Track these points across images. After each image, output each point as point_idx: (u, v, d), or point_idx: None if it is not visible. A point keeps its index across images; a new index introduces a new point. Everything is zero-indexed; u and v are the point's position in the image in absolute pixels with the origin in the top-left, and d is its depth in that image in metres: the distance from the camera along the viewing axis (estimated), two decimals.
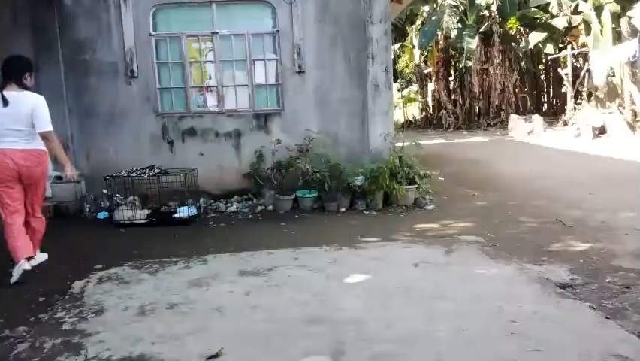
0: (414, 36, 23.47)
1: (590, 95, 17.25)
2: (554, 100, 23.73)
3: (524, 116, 17.90)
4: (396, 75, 24.92)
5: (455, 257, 4.17)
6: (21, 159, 4.05)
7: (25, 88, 4.14)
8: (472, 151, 12.76)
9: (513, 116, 18.14)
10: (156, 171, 6.32)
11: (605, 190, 6.79)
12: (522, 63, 21.68)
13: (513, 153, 12.43)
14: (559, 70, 21.02)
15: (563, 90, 20.51)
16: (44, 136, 4.13)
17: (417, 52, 23.59)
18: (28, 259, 4.13)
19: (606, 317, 2.93)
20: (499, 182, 8.05)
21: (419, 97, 25.88)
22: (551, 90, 24.17)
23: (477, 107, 22.18)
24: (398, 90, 25.77)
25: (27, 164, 4.09)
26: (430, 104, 24.55)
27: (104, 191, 6.26)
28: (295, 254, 4.43)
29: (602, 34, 15.60)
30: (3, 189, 4.07)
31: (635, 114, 13.95)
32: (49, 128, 4.11)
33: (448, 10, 19.55)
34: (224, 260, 4.37)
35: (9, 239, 4.07)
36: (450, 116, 21.62)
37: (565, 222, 5.27)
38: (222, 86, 6.91)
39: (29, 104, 4.05)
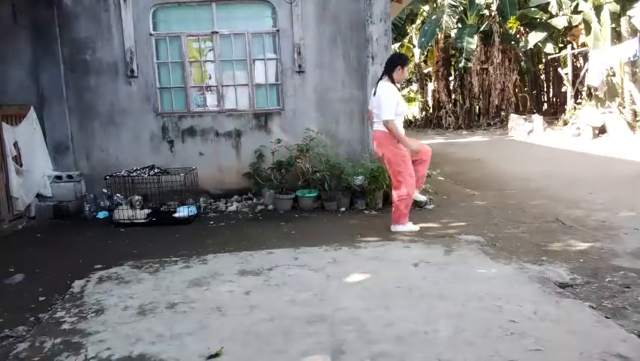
0: (414, 35, 23.48)
1: (590, 94, 17.26)
2: (554, 99, 23.74)
3: (524, 116, 17.92)
4: None
5: (455, 257, 4.17)
6: (374, 137, 5.15)
7: (392, 79, 5.00)
8: (472, 151, 12.76)
9: (513, 116, 18.15)
10: (156, 170, 6.32)
11: (605, 190, 6.79)
12: (522, 63, 21.68)
13: (513, 152, 12.43)
14: (559, 69, 21.03)
15: (563, 90, 20.54)
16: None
17: (417, 51, 23.60)
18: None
19: (606, 317, 2.93)
20: (499, 181, 8.05)
21: (419, 96, 25.88)
22: (551, 90, 24.18)
23: (477, 107, 22.18)
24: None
25: (375, 142, 5.14)
26: (430, 103, 24.55)
27: (104, 191, 6.26)
28: (295, 254, 4.43)
29: (601, 34, 15.61)
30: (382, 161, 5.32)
31: (635, 114, 13.95)
32: (384, 117, 4.85)
33: (447, 10, 19.54)
34: (224, 260, 4.36)
35: None
36: (450, 116, 21.62)
37: (565, 221, 5.27)
38: (222, 86, 6.91)
39: (378, 93, 4.97)
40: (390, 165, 5.08)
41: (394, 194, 5.15)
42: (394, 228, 5.13)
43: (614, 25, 15.50)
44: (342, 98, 6.86)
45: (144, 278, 3.95)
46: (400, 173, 5.02)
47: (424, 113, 25.39)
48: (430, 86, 24.13)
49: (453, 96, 22.39)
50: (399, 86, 5.26)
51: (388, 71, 5.02)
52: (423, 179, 5.40)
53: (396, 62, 5.04)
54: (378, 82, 5.14)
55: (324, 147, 6.55)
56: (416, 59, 24.56)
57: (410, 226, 5.15)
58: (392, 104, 4.86)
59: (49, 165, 6.66)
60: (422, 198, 5.60)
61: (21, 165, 6.19)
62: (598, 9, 15.93)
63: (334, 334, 2.83)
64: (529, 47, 19.28)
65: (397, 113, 4.94)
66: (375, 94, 5.07)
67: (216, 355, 2.65)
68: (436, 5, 20.82)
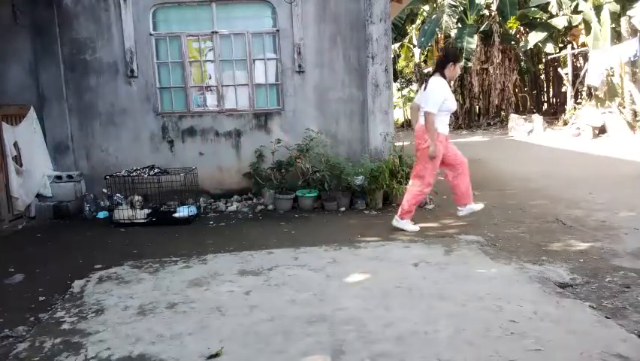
0: (414, 35, 23.48)
1: (590, 94, 17.27)
2: (554, 99, 23.76)
3: (524, 116, 17.94)
4: (396, 74, 24.93)
5: (455, 257, 4.17)
6: (416, 131, 5.08)
7: (443, 76, 5.00)
8: (472, 151, 12.75)
9: (513, 116, 18.16)
10: (156, 170, 6.32)
11: (605, 190, 6.79)
12: (522, 63, 21.69)
13: (513, 152, 12.43)
14: (559, 69, 21.03)
15: (563, 90, 20.55)
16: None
17: (417, 51, 23.60)
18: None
19: (606, 317, 2.93)
20: (499, 181, 8.05)
21: None
22: (551, 90, 24.20)
23: (477, 107, 22.18)
24: (398, 90, 25.78)
25: (416, 135, 5.08)
26: None
27: (104, 190, 6.26)
28: (295, 254, 4.43)
29: (601, 34, 15.62)
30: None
31: (635, 114, 13.96)
32: (427, 108, 4.86)
33: (447, 10, 19.55)
34: (224, 260, 4.36)
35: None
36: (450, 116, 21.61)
37: (565, 221, 5.27)
38: (222, 86, 6.91)
39: (429, 87, 4.97)
40: (421, 158, 5.05)
41: (410, 186, 5.16)
42: (397, 223, 5.14)
43: (614, 25, 15.51)
44: (342, 98, 6.86)
45: (144, 278, 3.95)
46: (426, 168, 5.02)
47: None
48: None
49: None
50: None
51: (440, 67, 5.06)
52: (468, 190, 5.26)
53: (448, 58, 5.09)
54: (428, 78, 5.19)
55: (324, 147, 6.55)
56: (416, 59, 24.56)
57: (410, 226, 5.15)
58: (439, 98, 4.87)
59: (49, 165, 6.66)
60: (478, 206, 5.36)
61: (21, 165, 6.19)
62: (598, 9, 15.93)
63: (334, 334, 2.83)
64: (529, 47, 19.29)
65: (443, 108, 4.93)
66: (424, 89, 5.08)
67: (216, 355, 2.65)
68: (436, 5, 20.82)
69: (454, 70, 5.07)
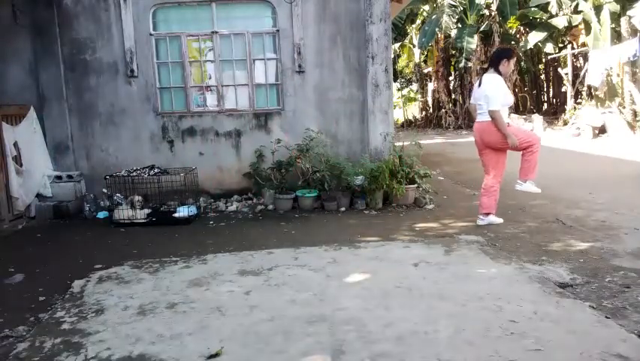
0: (414, 35, 23.50)
1: (590, 94, 17.27)
2: (554, 99, 23.76)
3: (524, 116, 17.95)
4: (396, 74, 24.95)
5: (455, 257, 4.17)
6: (477, 129, 5.18)
7: (499, 73, 5.04)
8: (472, 151, 12.73)
9: (513, 116, 18.13)
10: (156, 170, 6.32)
11: (605, 190, 6.79)
12: (522, 63, 21.69)
13: (513, 152, 12.41)
14: (559, 69, 21.04)
15: (563, 90, 20.54)
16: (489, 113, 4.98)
17: (417, 51, 23.61)
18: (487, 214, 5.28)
19: (606, 317, 2.93)
20: None
21: (419, 96, 25.88)
22: (551, 90, 24.19)
23: None
24: (398, 90, 25.79)
25: (477, 133, 5.18)
26: (430, 103, 24.55)
27: (104, 190, 6.26)
28: (295, 254, 4.43)
29: (601, 34, 15.63)
30: (480, 155, 5.35)
31: (635, 114, 13.97)
32: (492, 107, 4.92)
33: (447, 10, 19.56)
34: (224, 260, 4.36)
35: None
36: (450, 116, 21.64)
37: (565, 221, 5.27)
38: (222, 86, 6.91)
39: (485, 84, 5.02)
40: (504, 151, 5.15)
41: (530, 152, 5.10)
42: (520, 187, 5.16)
43: (614, 25, 15.51)
44: (342, 98, 6.86)
45: (144, 278, 3.95)
46: (522, 140, 5.00)
47: (423, 113, 25.39)
48: (430, 86, 24.14)
49: (453, 96, 22.40)
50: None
51: (494, 64, 5.11)
52: (535, 168, 5.11)
53: (502, 55, 5.13)
54: (482, 75, 5.24)
55: (324, 147, 6.55)
56: (416, 59, 24.56)
57: (497, 219, 5.25)
58: (499, 95, 4.94)
59: (49, 165, 6.66)
60: (537, 189, 5.20)
61: (21, 165, 6.19)
62: (598, 9, 15.94)
63: (334, 334, 2.83)
64: (529, 47, 19.28)
65: (504, 103, 5.01)
66: (479, 86, 5.14)
67: (216, 355, 2.65)
68: (436, 5, 20.82)
69: (509, 66, 5.12)
